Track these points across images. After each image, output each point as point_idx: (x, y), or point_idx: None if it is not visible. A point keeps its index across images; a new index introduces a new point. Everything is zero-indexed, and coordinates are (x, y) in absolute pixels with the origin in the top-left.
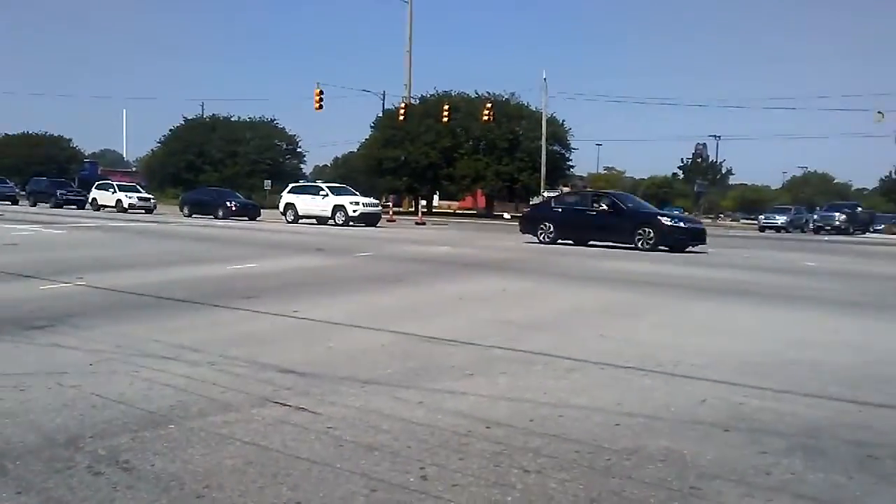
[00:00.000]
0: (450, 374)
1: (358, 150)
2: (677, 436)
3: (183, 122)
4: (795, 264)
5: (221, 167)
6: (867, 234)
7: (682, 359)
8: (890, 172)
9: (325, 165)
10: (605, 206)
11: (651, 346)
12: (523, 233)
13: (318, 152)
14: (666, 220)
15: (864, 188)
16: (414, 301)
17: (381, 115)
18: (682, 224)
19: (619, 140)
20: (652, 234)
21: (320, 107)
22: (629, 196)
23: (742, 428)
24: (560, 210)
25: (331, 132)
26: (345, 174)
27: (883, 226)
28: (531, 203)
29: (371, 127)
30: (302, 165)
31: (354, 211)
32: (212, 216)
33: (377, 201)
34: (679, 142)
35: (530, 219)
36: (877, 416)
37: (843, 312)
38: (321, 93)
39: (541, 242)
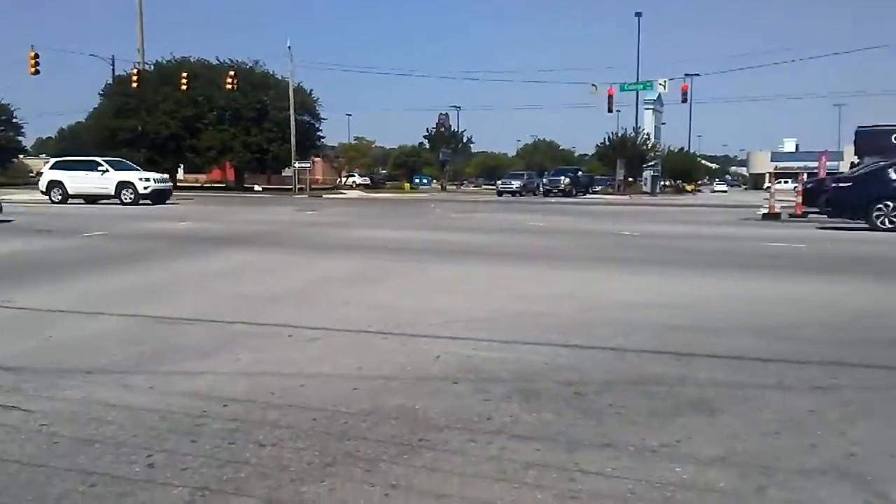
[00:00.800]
0: (186, 355)
1: (86, 120)
2: (411, 393)
3: None
4: (526, 225)
5: None
6: (587, 195)
7: (420, 320)
8: (604, 140)
9: (50, 138)
10: None
11: (392, 310)
12: (833, 216)
13: (39, 123)
14: None
15: (585, 154)
16: (149, 281)
17: (111, 82)
18: None
19: (369, 110)
20: None
21: (36, 72)
22: None
23: (470, 379)
24: None
25: (55, 101)
26: (72, 147)
27: (600, 187)
28: (834, 176)
29: (100, 95)
30: (20, 138)
31: (146, 188)
32: None
33: (167, 176)
34: (425, 112)
35: (851, 197)
36: (584, 357)
37: (565, 266)
38: (37, 56)
39: (873, 229)
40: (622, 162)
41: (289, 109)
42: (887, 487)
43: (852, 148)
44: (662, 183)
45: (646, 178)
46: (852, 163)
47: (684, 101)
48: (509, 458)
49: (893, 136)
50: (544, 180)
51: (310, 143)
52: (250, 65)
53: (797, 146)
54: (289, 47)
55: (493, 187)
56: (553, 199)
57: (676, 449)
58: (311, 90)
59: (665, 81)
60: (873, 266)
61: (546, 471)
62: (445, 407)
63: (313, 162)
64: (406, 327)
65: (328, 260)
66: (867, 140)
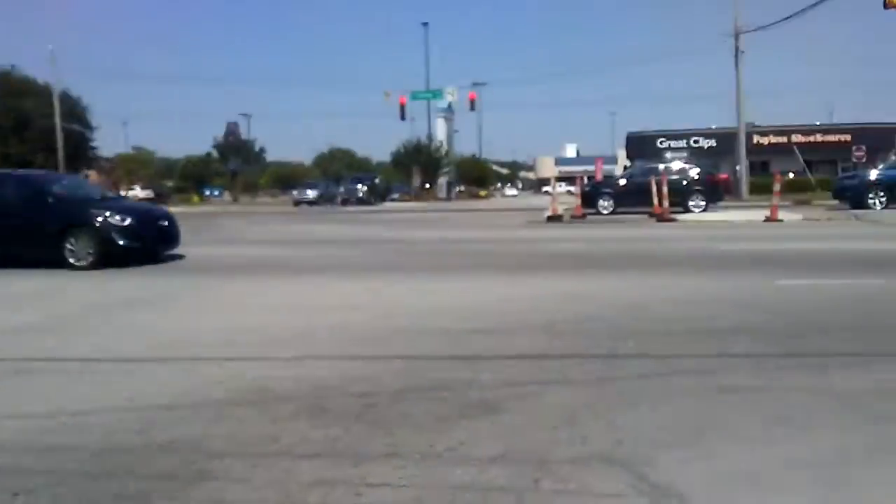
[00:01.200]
0: None
1: None
2: (191, 421)
3: None
4: (322, 235)
5: None
6: (385, 203)
7: (204, 341)
8: (399, 147)
9: None
10: None
11: (172, 334)
12: None
13: None
14: None
15: (382, 161)
16: None
17: None
18: None
19: (150, 118)
20: None
21: None
22: None
23: (256, 401)
24: None
25: None
26: None
27: (397, 195)
28: None
29: None
30: None
31: None
32: None
33: None
34: (214, 119)
35: None
36: (378, 367)
37: (361, 277)
38: None
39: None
40: (418, 169)
41: (54, 118)
42: (647, 470)
43: (624, 152)
44: (457, 189)
45: (441, 185)
46: (625, 165)
47: (472, 109)
48: (294, 479)
49: (658, 141)
50: (341, 189)
51: (81, 154)
52: (7, 69)
53: (578, 151)
54: (51, 50)
55: (290, 197)
56: (351, 208)
57: (460, 451)
58: (79, 97)
59: (454, 90)
60: (648, 261)
61: (332, 488)
62: (229, 433)
63: (86, 175)
64: (186, 351)
65: (101, 282)
66: (636, 144)
